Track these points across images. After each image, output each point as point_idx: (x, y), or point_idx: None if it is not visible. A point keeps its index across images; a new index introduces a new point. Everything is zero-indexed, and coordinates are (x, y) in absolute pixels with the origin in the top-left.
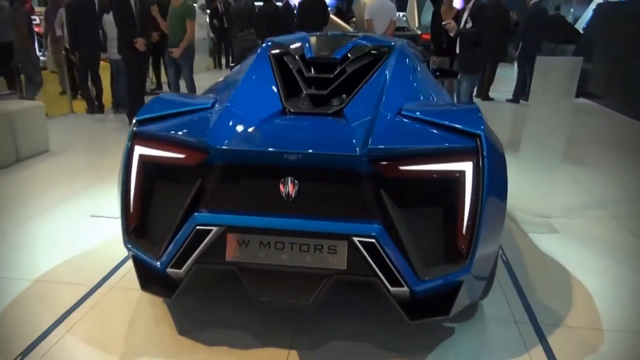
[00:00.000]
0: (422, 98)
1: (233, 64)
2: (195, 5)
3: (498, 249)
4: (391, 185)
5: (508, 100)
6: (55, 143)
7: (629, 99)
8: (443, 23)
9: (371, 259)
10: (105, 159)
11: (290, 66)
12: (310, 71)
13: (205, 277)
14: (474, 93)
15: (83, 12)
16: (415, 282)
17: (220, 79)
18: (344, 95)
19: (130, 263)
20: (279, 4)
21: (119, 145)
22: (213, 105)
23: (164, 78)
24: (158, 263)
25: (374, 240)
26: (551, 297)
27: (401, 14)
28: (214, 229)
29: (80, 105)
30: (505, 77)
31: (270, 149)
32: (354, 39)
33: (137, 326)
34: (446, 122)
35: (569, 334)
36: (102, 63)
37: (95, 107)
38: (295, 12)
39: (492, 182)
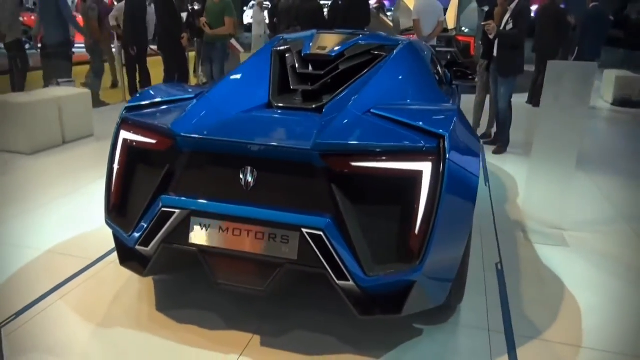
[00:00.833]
0: (409, 99)
1: None
2: (254, 2)
3: (463, 253)
4: (343, 180)
5: None
6: (99, 129)
7: None
8: (482, 23)
9: (319, 251)
10: None
11: (288, 62)
12: (304, 67)
13: (190, 260)
14: (526, 100)
15: (139, 8)
16: (361, 278)
17: None
18: (335, 92)
19: None
20: (327, 2)
21: None
22: (197, 96)
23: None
24: (129, 239)
25: (321, 233)
26: (536, 310)
27: None
28: (177, 211)
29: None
30: None
31: (229, 139)
32: (360, 37)
33: (121, 300)
34: (412, 122)
35: (542, 348)
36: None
37: None
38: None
39: (454, 185)
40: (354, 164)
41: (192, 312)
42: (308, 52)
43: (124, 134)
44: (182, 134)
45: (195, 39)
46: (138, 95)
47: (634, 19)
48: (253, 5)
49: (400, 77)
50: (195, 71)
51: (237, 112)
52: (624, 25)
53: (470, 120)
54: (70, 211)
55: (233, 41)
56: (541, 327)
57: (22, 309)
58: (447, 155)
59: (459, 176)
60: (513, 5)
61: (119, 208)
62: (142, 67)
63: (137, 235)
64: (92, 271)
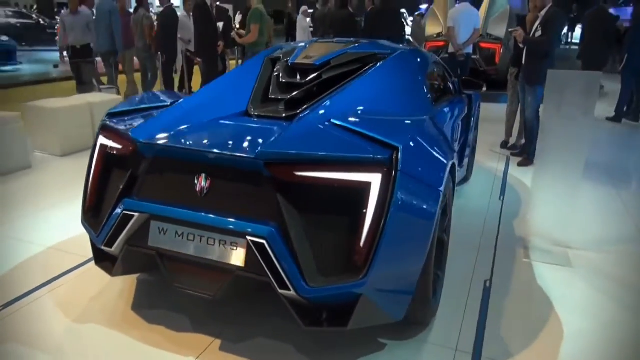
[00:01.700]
0: (384, 109)
1: None
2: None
3: (421, 267)
4: (288, 189)
5: (608, 119)
6: None
7: None
8: (510, 30)
9: (262, 259)
10: None
11: (275, 71)
12: (289, 76)
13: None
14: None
15: (171, 18)
16: (303, 288)
17: None
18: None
19: None
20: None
21: None
22: (172, 103)
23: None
24: (97, 240)
25: (264, 242)
26: (514, 332)
27: None
28: (137, 214)
29: None
30: (611, 92)
31: (183, 146)
32: (356, 45)
33: (102, 297)
34: (368, 132)
35: None
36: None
37: None
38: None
39: (408, 199)
40: (298, 173)
41: (164, 312)
42: (293, 61)
43: (102, 140)
44: (141, 140)
45: (236, 47)
46: (122, 102)
47: None
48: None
49: (379, 87)
50: None
51: (208, 119)
52: None
53: (502, 130)
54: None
55: None
56: (513, 351)
57: (12, 300)
58: (400, 167)
59: (415, 190)
60: (544, 12)
61: (92, 210)
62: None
63: (102, 236)
64: (84, 268)
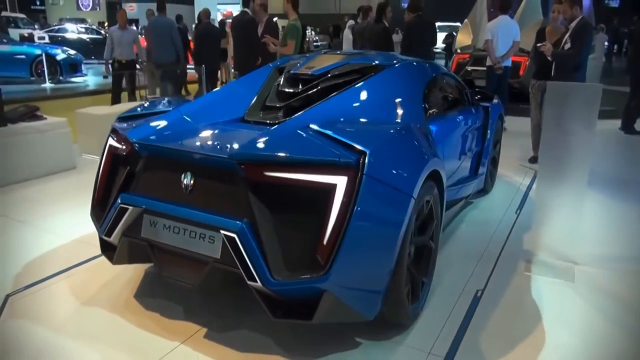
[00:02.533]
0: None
1: None
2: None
3: (391, 268)
4: (259, 188)
5: None
6: None
7: None
8: (537, 45)
9: (233, 252)
10: None
11: (278, 80)
12: (288, 85)
13: None
14: (619, 126)
15: (209, 33)
16: (268, 280)
17: None
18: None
19: None
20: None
21: None
22: (174, 109)
23: None
24: (100, 230)
25: (235, 236)
26: (494, 342)
27: None
28: (131, 208)
29: None
30: None
31: (170, 146)
32: (360, 57)
33: (110, 285)
34: (341, 137)
35: None
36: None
37: None
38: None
39: (373, 202)
40: (268, 173)
41: (162, 301)
42: (295, 71)
43: (111, 141)
44: (134, 140)
45: None
46: (133, 107)
47: None
48: None
49: (368, 96)
50: None
51: (204, 123)
52: None
53: (529, 144)
54: None
55: None
56: (487, 359)
57: (32, 283)
58: (366, 171)
59: (382, 194)
60: (574, 24)
61: (99, 204)
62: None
63: (103, 227)
64: (101, 259)
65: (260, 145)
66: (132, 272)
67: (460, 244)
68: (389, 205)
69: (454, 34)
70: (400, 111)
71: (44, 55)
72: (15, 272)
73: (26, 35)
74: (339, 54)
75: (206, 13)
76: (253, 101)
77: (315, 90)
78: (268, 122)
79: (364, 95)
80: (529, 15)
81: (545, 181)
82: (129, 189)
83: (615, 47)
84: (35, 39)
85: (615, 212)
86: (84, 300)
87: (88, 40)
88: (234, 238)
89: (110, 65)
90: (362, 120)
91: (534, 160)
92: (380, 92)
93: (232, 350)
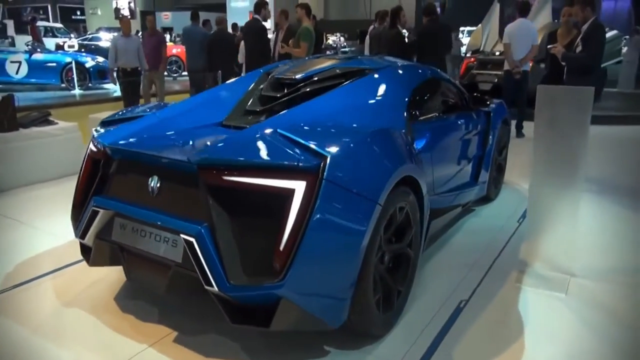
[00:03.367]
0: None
1: None
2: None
3: (354, 276)
4: (218, 192)
5: None
6: None
7: None
8: (548, 47)
9: (191, 256)
10: None
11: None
12: (271, 90)
13: None
14: None
15: (223, 40)
16: (224, 285)
17: None
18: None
19: None
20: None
21: None
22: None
23: None
24: (76, 232)
25: (193, 240)
26: (469, 354)
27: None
28: (102, 211)
29: None
30: None
31: (135, 150)
32: (349, 62)
33: (94, 286)
34: (305, 142)
35: None
36: None
37: None
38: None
39: (333, 208)
40: (226, 177)
41: (139, 303)
42: (279, 75)
43: (91, 145)
44: (105, 144)
45: None
46: (116, 112)
47: None
48: None
49: (345, 101)
50: None
51: (181, 127)
52: None
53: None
54: None
55: None
56: None
57: (20, 282)
58: (325, 176)
59: (343, 200)
60: (585, 27)
61: (77, 207)
62: None
63: (78, 229)
64: None
65: (221, 149)
66: (119, 274)
67: (452, 252)
68: (351, 212)
69: None
70: (376, 116)
71: (73, 62)
72: (7, 271)
73: (61, 44)
74: (331, 58)
75: (221, 19)
76: (235, 105)
77: (296, 94)
78: (238, 125)
79: (341, 99)
80: (539, 17)
81: (538, 188)
82: (102, 192)
83: None
84: (65, 47)
85: (617, 221)
86: (67, 301)
87: None
88: (192, 242)
89: (115, 74)
90: (335, 124)
91: None
92: (359, 96)
93: (197, 354)
